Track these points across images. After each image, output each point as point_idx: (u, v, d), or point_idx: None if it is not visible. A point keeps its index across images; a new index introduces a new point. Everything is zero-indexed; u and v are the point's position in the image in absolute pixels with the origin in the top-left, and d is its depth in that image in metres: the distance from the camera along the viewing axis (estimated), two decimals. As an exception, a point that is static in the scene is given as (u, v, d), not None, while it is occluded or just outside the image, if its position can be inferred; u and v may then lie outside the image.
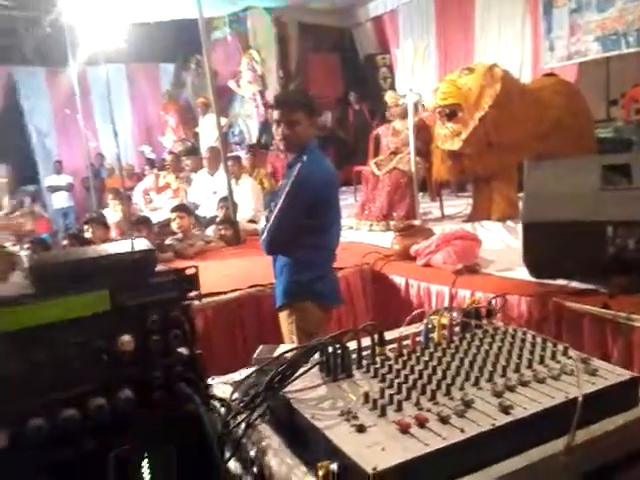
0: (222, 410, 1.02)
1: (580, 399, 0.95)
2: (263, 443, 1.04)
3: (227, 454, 1.03)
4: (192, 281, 0.84)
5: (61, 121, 11.43)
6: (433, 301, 3.16)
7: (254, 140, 9.90)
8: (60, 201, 10.76)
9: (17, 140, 11.24)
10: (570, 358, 1.11)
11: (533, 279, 2.79)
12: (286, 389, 1.08)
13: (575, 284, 2.64)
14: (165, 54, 11.59)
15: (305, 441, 0.98)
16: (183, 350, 0.81)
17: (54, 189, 10.80)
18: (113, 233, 5.81)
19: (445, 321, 1.28)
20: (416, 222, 4.42)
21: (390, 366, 1.12)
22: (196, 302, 2.94)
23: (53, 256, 1.03)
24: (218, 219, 5.56)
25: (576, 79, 6.13)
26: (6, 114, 11.06)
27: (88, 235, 5.00)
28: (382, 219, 5.19)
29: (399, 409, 0.96)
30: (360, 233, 5.15)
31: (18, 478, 0.70)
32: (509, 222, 4.40)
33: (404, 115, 5.56)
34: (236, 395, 1.12)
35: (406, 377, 1.06)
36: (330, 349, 1.13)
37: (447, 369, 1.09)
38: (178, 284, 0.83)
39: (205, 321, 3.15)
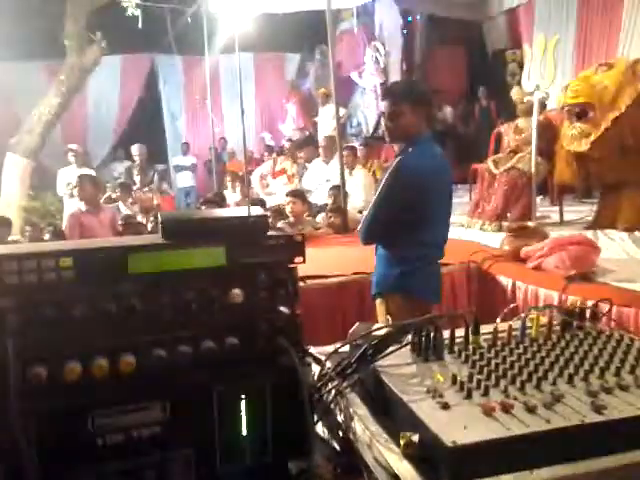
0: (315, 373, 1.10)
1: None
2: (350, 410, 1.09)
3: (316, 417, 1.10)
4: (299, 247, 0.92)
5: (191, 106, 12.23)
6: (540, 306, 3.04)
7: (371, 132, 9.97)
8: (184, 180, 11.52)
9: (153, 122, 12.22)
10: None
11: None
12: (377, 363, 1.12)
13: None
14: (291, 44, 11.96)
15: (390, 412, 1.03)
16: (285, 309, 0.89)
17: (180, 169, 11.59)
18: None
19: (544, 319, 1.26)
20: (530, 224, 4.25)
21: (482, 354, 1.13)
22: (300, 284, 3.06)
23: (181, 214, 1.16)
24: (329, 207, 5.70)
25: None
26: (146, 97, 12.07)
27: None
28: (495, 219, 5.04)
29: (485, 394, 0.98)
30: (471, 232, 5.04)
31: (141, 398, 0.82)
32: (637, 233, 4.09)
33: (529, 113, 5.33)
34: (329, 364, 1.18)
35: (497, 366, 1.07)
36: (424, 331, 1.16)
37: (540, 364, 1.08)
38: (286, 248, 0.91)
39: (308, 302, 3.28)
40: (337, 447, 1.07)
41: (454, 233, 4.58)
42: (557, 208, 5.39)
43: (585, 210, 5.20)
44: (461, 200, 6.20)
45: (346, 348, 1.23)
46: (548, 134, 5.12)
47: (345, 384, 1.13)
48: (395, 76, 9.85)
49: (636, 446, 0.91)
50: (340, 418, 1.10)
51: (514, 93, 6.00)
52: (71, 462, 0.79)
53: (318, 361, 1.08)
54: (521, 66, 8.70)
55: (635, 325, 2.52)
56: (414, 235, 2.45)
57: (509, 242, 3.68)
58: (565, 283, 2.87)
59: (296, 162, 8.17)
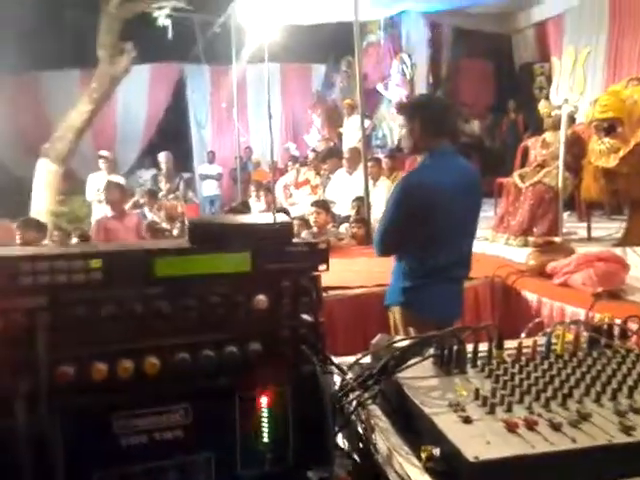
0: (337, 382, 1.09)
1: None
2: (371, 421, 1.08)
3: (336, 428, 1.09)
4: (323, 255, 0.92)
5: (217, 115, 12.40)
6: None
7: (396, 143, 9.97)
8: (209, 189, 11.65)
9: (180, 130, 12.42)
10: None
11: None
12: (399, 375, 1.12)
13: None
14: (318, 55, 12.07)
15: (411, 425, 1.02)
16: (308, 317, 0.89)
17: (205, 177, 11.73)
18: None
19: (571, 336, 1.24)
20: (557, 239, 4.19)
21: (506, 369, 1.11)
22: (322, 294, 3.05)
23: (208, 219, 1.17)
24: (352, 218, 5.71)
25: None
26: (174, 106, 12.28)
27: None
28: (521, 234, 4.98)
29: (509, 410, 0.96)
30: (495, 246, 4.99)
31: (164, 400, 0.83)
32: (668, 251, 4.01)
33: (557, 127, 5.27)
34: (350, 375, 1.18)
35: (521, 381, 1.05)
36: (447, 344, 1.15)
37: (566, 381, 1.06)
38: (311, 256, 0.92)
39: (329, 313, 3.27)
40: (357, 458, 1.07)
41: (478, 247, 4.53)
42: (585, 224, 5.30)
43: (614, 227, 5.10)
44: (486, 214, 6.13)
45: (367, 359, 1.22)
46: (576, 149, 5.05)
47: (366, 395, 1.13)
48: (421, 88, 9.85)
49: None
50: (361, 429, 1.09)
51: (542, 107, 5.95)
52: (95, 462, 0.80)
53: (340, 370, 1.08)
54: (549, 80, 8.63)
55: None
56: (422, 250, 2.42)
57: (535, 257, 3.63)
58: (592, 300, 2.82)
59: (319, 173, 8.20)
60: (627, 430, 0.91)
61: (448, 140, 2.51)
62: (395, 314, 2.54)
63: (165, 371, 0.81)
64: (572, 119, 5.76)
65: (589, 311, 2.75)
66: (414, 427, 1.01)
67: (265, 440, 0.88)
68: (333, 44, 10.60)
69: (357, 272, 3.90)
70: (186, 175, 11.67)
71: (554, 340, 1.23)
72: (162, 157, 9.31)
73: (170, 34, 9.37)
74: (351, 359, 1.40)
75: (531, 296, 3.31)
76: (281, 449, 0.89)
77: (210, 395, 0.83)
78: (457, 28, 9.97)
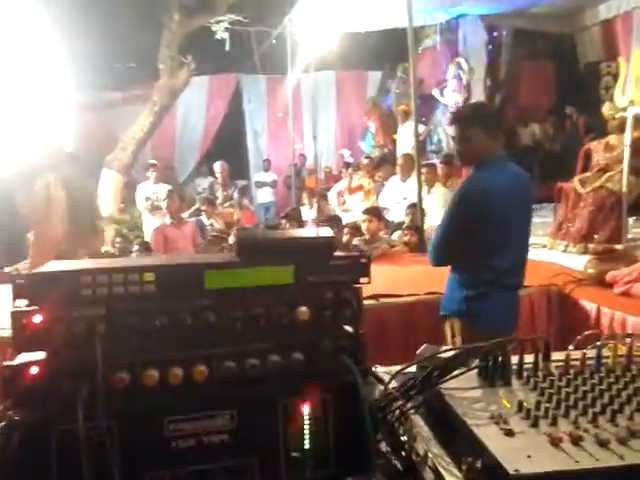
0: (378, 392, 1.11)
1: None
2: (413, 431, 1.09)
3: (380, 435, 1.11)
4: (365, 268, 0.95)
5: (273, 124, 12.59)
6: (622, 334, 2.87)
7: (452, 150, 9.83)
8: (264, 196, 11.84)
9: (236, 139, 12.71)
10: None
11: None
12: (442, 385, 1.12)
13: None
14: (373, 62, 12.07)
15: (453, 436, 1.02)
16: (349, 328, 0.92)
17: (260, 185, 11.93)
18: (307, 229, 6.26)
19: (623, 349, 1.20)
20: (618, 247, 4.03)
21: (552, 382, 1.10)
22: (373, 301, 3.07)
23: (254, 234, 1.22)
24: (405, 224, 5.67)
25: None
26: (231, 115, 12.57)
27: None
28: (580, 241, 4.81)
29: (554, 423, 0.95)
30: (553, 253, 4.84)
31: (211, 406, 0.87)
32: None
33: (622, 129, 5.06)
34: (393, 384, 1.19)
35: (567, 395, 1.03)
36: (492, 355, 1.15)
37: (617, 396, 1.04)
38: (352, 269, 0.94)
39: (380, 320, 3.27)
40: (399, 467, 1.08)
41: (535, 254, 4.42)
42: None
43: (683, 233, 4.86)
44: (544, 220, 5.96)
45: (413, 369, 1.23)
46: (642, 152, 4.84)
47: (409, 405, 1.14)
48: (478, 93, 9.68)
49: None
50: (403, 438, 1.11)
51: (606, 108, 5.73)
52: (146, 464, 0.85)
53: (380, 380, 1.10)
54: (616, 79, 8.28)
55: None
56: (480, 259, 2.40)
57: (594, 265, 3.50)
58: (656, 311, 2.70)
59: (373, 179, 8.20)
60: (678, 449, 0.88)
61: (501, 145, 2.51)
62: (454, 324, 2.49)
63: (212, 378, 0.86)
64: (638, 121, 5.52)
65: (653, 322, 2.64)
66: (456, 438, 1.01)
67: (307, 447, 0.91)
68: (389, 50, 10.57)
69: (409, 280, 3.88)
70: (242, 183, 11.93)
71: (606, 353, 1.20)
72: (217, 167, 9.59)
73: (227, 46, 9.64)
74: (396, 368, 1.41)
75: (590, 305, 3.19)
76: (322, 456, 0.91)
77: (254, 402, 0.87)
78: (517, 30, 9.74)
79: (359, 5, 7.49)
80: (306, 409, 0.90)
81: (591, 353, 1.21)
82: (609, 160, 5.21)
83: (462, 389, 1.11)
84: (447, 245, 2.44)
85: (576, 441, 0.89)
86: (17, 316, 0.82)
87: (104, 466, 0.79)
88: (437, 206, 6.07)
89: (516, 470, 0.82)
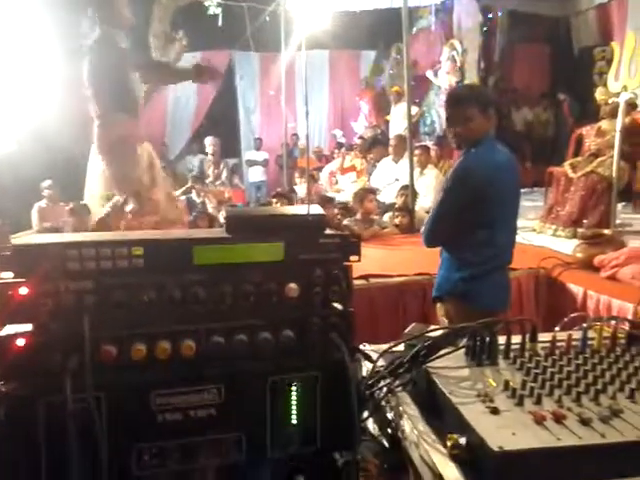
0: (366, 369, 1.12)
1: None
2: (400, 408, 1.11)
3: (366, 413, 1.12)
4: (354, 246, 0.95)
5: (266, 102, 12.46)
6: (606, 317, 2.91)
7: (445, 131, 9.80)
8: (255, 175, 11.77)
9: (228, 117, 12.57)
10: None
11: None
12: (430, 364, 1.13)
13: None
14: (367, 42, 11.93)
15: (439, 414, 1.03)
16: (338, 305, 0.92)
17: (252, 163, 11.85)
18: (298, 208, 6.26)
19: (609, 331, 1.22)
20: (607, 231, 4.05)
21: (538, 362, 1.11)
22: (363, 281, 3.06)
23: (244, 211, 1.21)
24: (396, 206, 5.67)
25: None
26: (223, 92, 12.41)
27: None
28: (570, 225, 4.84)
29: (538, 402, 0.96)
30: (543, 237, 4.87)
31: (199, 381, 0.88)
32: None
33: (614, 114, 5.06)
34: (381, 362, 1.20)
35: (552, 375, 1.05)
36: (479, 335, 1.16)
37: (600, 376, 1.05)
38: (342, 247, 0.94)
39: (369, 301, 3.29)
40: (386, 444, 1.09)
41: (524, 237, 4.44)
42: None
43: (672, 219, 4.90)
44: (535, 204, 5.98)
45: (401, 347, 1.24)
46: (634, 138, 4.86)
47: (397, 383, 1.15)
48: (472, 75, 9.62)
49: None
50: (390, 416, 1.12)
51: (599, 93, 5.73)
52: (134, 436, 0.86)
53: (368, 358, 1.10)
54: (610, 64, 8.26)
55: None
56: (475, 238, 2.39)
57: (582, 249, 3.53)
58: (641, 295, 2.73)
59: (366, 159, 8.17)
60: (659, 428, 0.90)
61: (493, 128, 2.51)
62: (449, 307, 2.49)
63: (200, 353, 0.86)
64: (632, 106, 5.52)
65: (637, 306, 2.67)
66: (442, 415, 1.03)
67: (294, 422, 0.92)
68: (383, 30, 10.44)
69: (399, 261, 3.90)
70: (233, 161, 11.83)
71: (591, 335, 1.22)
72: (208, 141, 9.47)
73: (220, 22, 9.48)
74: (384, 346, 1.42)
75: (576, 289, 3.22)
76: (309, 432, 0.92)
77: (243, 378, 0.88)
78: (512, 12, 9.66)
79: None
80: (294, 385, 0.91)
81: (577, 335, 1.22)
82: (600, 145, 5.22)
83: (449, 368, 1.12)
84: (443, 223, 2.43)
85: (559, 419, 0.91)
86: (2, 288, 0.82)
87: (91, 438, 0.79)
88: (429, 188, 6.06)
89: (500, 447, 0.83)
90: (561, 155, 6.65)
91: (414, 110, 7.69)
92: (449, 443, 0.91)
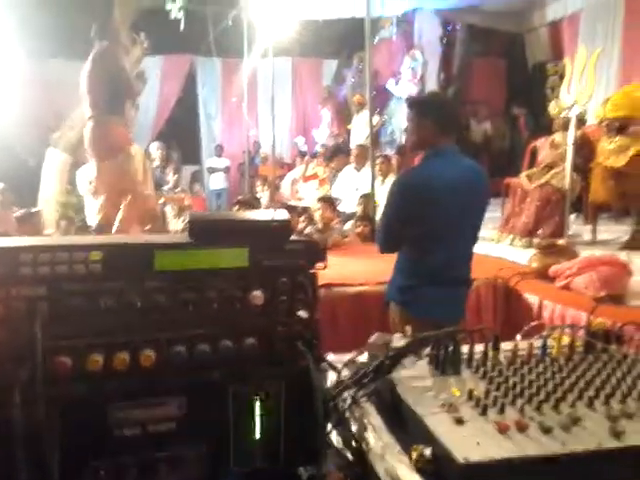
0: (330, 380, 1.10)
1: None
2: (365, 420, 1.09)
3: (330, 426, 1.10)
4: (321, 253, 0.93)
5: (227, 109, 12.37)
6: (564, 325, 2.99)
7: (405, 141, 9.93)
8: (216, 182, 11.66)
9: (189, 123, 12.42)
10: None
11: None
12: (394, 374, 1.12)
13: None
14: (329, 50, 12.03)
15: (404, 425, 1.03)
16: (304, 313, 0.90)
17: (213, 170, 11.73)
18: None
19: (567, 339, 1.24)
20: (561, 242, 4.18)
21: (500, 371, 1.12)
22: (325, 290, 3.07)
23: (208, 215, 1.18)
24: (357, 215, 5.70)
25: None
26: (184, 98, 12.27)
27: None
28: (526, 235, 4.97)
29: (501, 412, 0.97)
30: (500, 247, 4.98)
31: (158, 393, 0.84)
32: (676, 256, 3.98)
33: (566, 127, 5.24)
34: (345, 372, 1.19)
35: (514, 384, 1.06)
36: (442, 344, 1.16)
37: (560, 384, 1.07)
38: (308, 254, 0.92)
39: (331, 309, 3.28)
40: (350, 457, 1.07)
41: (483, 248, 4.53)
42: (591, 227, 5.28)
43: (621, 230, 5.08)
44: (493, 215, 6.11)
45: (364, 357, 1.23)
46: (585, 150, 5.03)
47: (361, 393, 1.14)
48: (432, 85, 9.81)
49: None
50: (354, 428, 1.10)
51: (552, 107, 5.91)
52: (89, 452, 0.81)
53: (334, 368, 1.09)
54: (562, 79, 8.54)
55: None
56: (418, 248, 2.43)
57: (538, 259, 3.62)
58: (594, 304, 2.81)
59: (328, 167, 8.20)
60: (617, 435, 0.91)
61: (453, 140, 2.52)
62: (393, 311, 2.54)
63: (160, 364, 0.82)
64: (582, 121, 5.72)
65: (590, 315, 2.74)
66: (407, 426, 1.02)
67: (257, 436, 0.89)
68: (346, 39, 10.55)
69: (360, 269, 3.91)
70: (194, 168, 11.68)
71: (551, 343, 1.24)
72: (154, 146, 9.24)
73: (182, 26, 9.37)
74: (348, 356, 1.41)
75: (533, 298, 3.30)
76: (272, 445, 0.90)
77: (204, 389, 0.84)
78: (470, 26, 9.92)
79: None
80: (257, 396, 0.88)
81: (537, 343, 1.24)
82: (554, 157, 5.38)
83: (413, 378, 1.11)
84: (391, 231, 2.48)
85: (522, 429, 0.91)
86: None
87: (42, 455, 0.74)
88: (390, 197, 6.12)
89: (465, 458, 0.83)
90: (517, 167, 6.83)
91: (375, 120, 7.76)
92: (414, 454, 0.90)
